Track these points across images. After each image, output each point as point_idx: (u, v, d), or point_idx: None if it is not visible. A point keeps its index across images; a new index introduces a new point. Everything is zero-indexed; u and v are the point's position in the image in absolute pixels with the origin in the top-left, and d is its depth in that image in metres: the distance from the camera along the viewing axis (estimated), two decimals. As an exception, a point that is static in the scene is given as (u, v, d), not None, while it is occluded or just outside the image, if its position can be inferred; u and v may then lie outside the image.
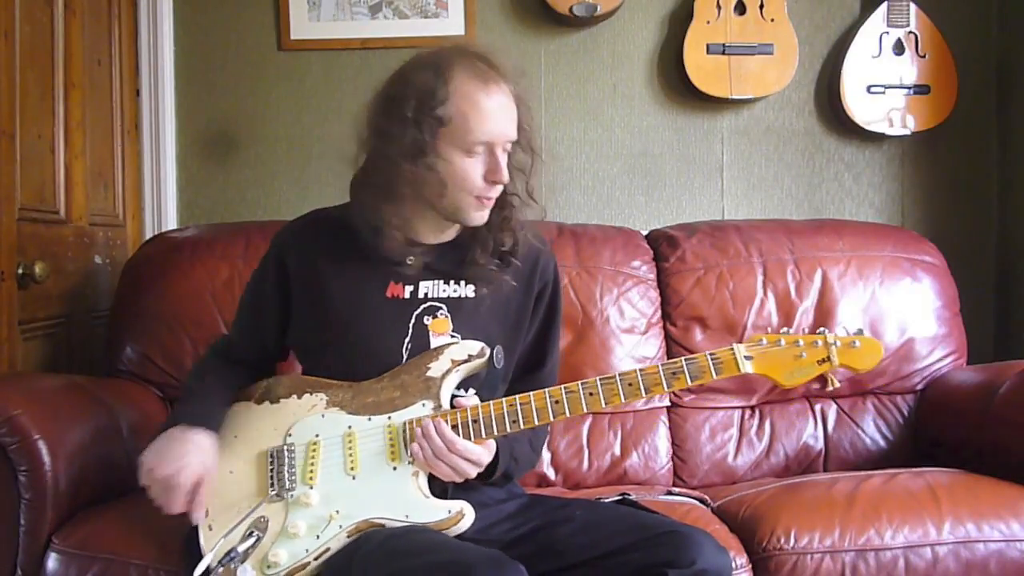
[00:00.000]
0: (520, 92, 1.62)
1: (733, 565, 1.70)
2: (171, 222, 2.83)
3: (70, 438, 1.88)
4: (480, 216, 1.61)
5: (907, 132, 2.76)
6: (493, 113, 1.55)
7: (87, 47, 2.52)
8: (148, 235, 2.75)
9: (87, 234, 2.53)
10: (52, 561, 1.78)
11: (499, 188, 1.60)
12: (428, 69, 1.56)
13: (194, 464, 1.55)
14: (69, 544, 1.79)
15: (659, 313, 2.44)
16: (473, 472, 1.53)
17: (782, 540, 1.80)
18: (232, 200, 2.87)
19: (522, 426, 1.53)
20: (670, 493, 2.12)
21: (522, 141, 1.63)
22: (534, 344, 1.75)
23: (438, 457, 1.50)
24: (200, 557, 1.54)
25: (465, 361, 1.59)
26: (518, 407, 1.53)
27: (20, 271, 2.18)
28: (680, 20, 2.81)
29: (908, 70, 2.76)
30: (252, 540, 1.51)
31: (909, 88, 2.76)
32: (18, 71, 2.19)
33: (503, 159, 1.58)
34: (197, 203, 2.87)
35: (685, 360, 1.53)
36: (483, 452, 1.53)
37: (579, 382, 1.54)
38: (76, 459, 1.87)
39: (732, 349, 1.53)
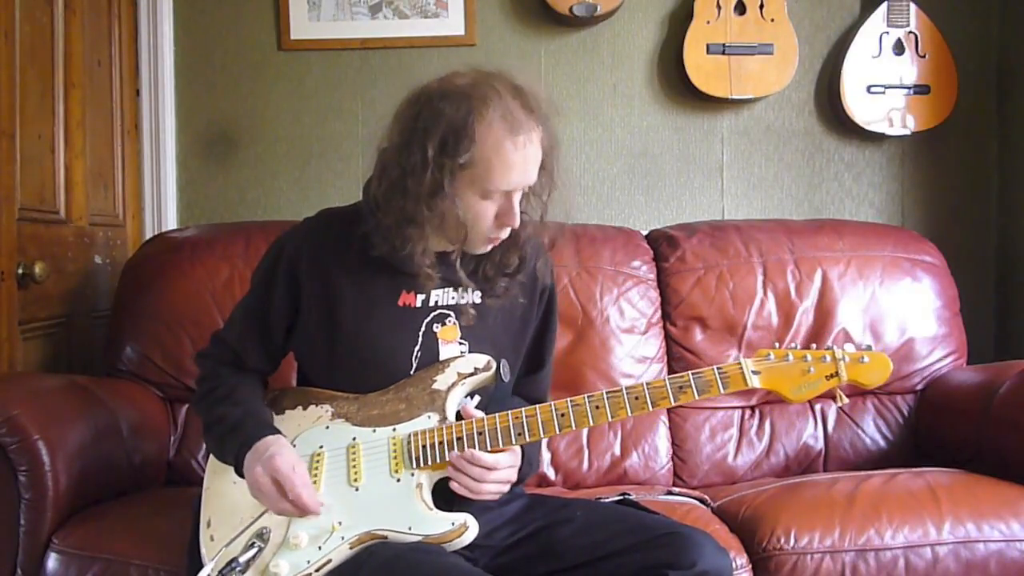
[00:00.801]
0: (551, 131, 1.57)
1: (733, 565, 1.70)
2: (171, 222, 2.83)
3: (70, 438, 1.88)
4: (487, 248, 1.61)
5: (907, 132, 2.76)
6: (517, 165, 1.51)
7: (87, 47, 2.52)
8: (148, 235, 2.75)
9: (87, 234, 2.53)
10: (52, 561, 1.79)
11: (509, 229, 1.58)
12: (460, 104, 1.49)
13: (285, 459, 1.51)
14: (69, 544, 1.79)
15: (659, 313, 2.44)
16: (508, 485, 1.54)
17: (782, 540, 1.80)
18: (232, 200, 2.87)
19: (527, 439, 1.52)
20: (670, 493, 2.12)
21: (543, 178, 1.59)
22: (533, 346, 1.74)
23: (481, 481, 1.50)
24: (202, 566, 1.54)
25: (471, 374, 1.59)
26: (524, 420, 1.52)
27: (20, 271, 2.18)
28: (680, 20, 2.81)
29: (908, 70, 2.76)
30: (254, 551, 1.50)
31: (909, 88, 2.76)
32: (18, 71, 2.19)
33: (518, 202, 1.56)
34: (197, 203, 2.87)
35: (692, 374, 1.52)
36: (515, 459, 1.54)
37: (585, 395, 1.53)
38: (76, 459, 1.87)
39: (740, 364, 1.52)
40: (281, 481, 1.48)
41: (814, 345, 1.56)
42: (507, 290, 1.65)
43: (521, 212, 1.58)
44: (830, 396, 1.54)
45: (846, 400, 1.54)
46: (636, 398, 1.51)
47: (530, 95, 1.55)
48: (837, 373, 1.51)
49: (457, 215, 1.53)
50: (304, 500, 1.48)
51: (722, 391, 1.52)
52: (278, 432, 1.57)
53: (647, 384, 1.52)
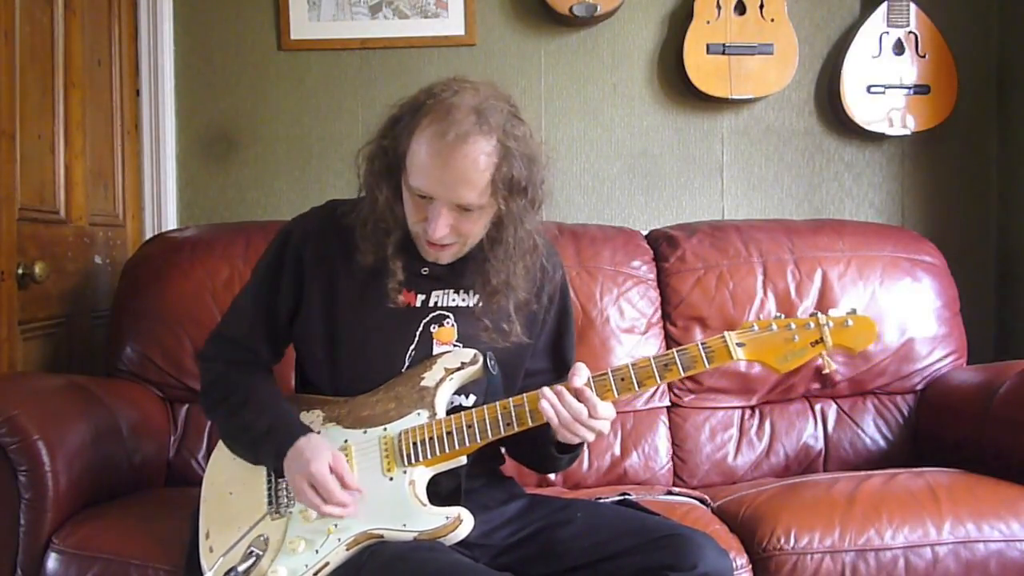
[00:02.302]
0: (518, 149, 1.49)
1: (734, 566, 1.70)
2: (171, 222, 2.83)
3: (70, 438, 1.88)
4: (434, 256, 1.58)
5: (907, 132, 2.76)
6: (432, 171, 1.47)
7: (87, 47, 2.52)
8: (148, 235, 2.75)
9: (87, 234, 2.53)
10: (52, 561, 1.79)
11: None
12: (422, 98, 1.51)
13: (325, 453, 1.52)
14: (69, 544, 1.79)
15: (659, 313, 2.44)
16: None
17: (782, 540, 1.80)
18: (232, 200, 2.87)
19: (516, 429, 1.52)
20: (670, 493, 2.13)
21: (507, 195, 1.51)
22: (554, 349, 1.73)
23: (577, 419, 1.48)
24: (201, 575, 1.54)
25: (458, 369, 1.58)
26: (511, 410, 1.52)
27: (20, 271, 2.18)
28: (680, 20, 2.81)
29: (908, 70, 2.76)
30: (252, 559, 1.51)
31: (909, 88, 2.76)
32: (18, 71, 2.19)
33: (445, 216, 1.49)
34: (197, 203, 2.87)
35: (676, 351, 1.51)
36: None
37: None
38: (76, 459, 1.87)
39: (723, 337, 1.51)
40: (317, 486, 1.48)
41: (798, 313, 1.54)
42: (507, 295, 1.62)
43: (503, 239, 1.55)
44: (818, 365, 1.53)
45: (834, 366, 1.53)
46: (622, 379, 1.50)
47: (494, 108, 1.48)
48: (822, 339, 1.50)
49: (379, 199, 1.54)
50: (337, 498, 1.48)
51: (707, 366, 1.50)
52: (308, 430, 1.56)
53: (632, 364, 1.51)
